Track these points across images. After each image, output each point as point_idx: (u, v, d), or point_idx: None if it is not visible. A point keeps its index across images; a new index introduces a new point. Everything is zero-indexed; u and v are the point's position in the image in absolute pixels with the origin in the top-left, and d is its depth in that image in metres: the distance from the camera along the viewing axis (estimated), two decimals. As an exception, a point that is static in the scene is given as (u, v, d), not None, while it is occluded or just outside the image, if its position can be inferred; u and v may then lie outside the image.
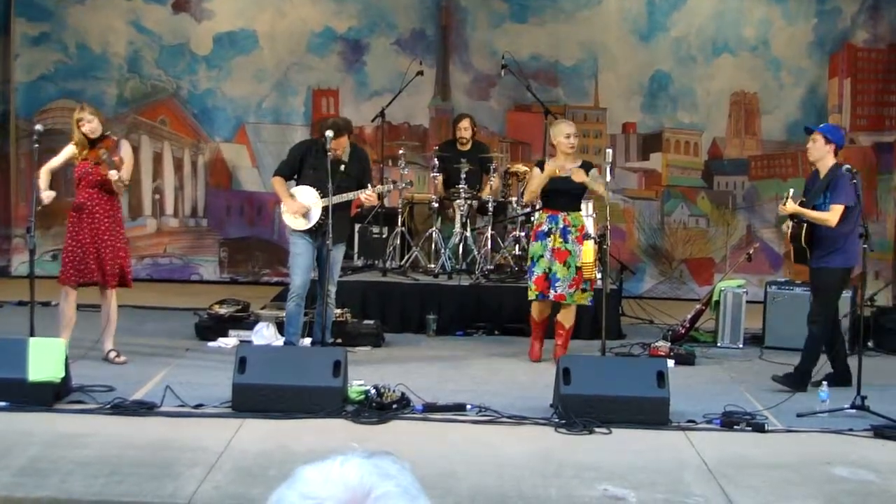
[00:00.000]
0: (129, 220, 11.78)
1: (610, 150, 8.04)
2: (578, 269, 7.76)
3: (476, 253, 9.50)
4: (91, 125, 7.26)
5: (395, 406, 6.27)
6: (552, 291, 7.79)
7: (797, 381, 7.19)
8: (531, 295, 7.90)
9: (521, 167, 9.98)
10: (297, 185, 7.80)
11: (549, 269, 7.77)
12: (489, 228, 9.59)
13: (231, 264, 12.04)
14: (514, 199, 9.81)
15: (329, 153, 7.35)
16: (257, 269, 12.02)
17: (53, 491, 4.80)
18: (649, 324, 9.85)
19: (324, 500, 1.22)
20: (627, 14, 11.77)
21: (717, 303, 9.05)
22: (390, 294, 9.29)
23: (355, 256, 9.94)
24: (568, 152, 7.86)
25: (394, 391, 6.37)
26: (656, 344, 8.37)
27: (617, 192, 11.43)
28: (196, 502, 4.74)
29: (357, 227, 9.90)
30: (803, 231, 7.17)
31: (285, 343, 7.77)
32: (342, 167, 7.67)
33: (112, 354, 7.48)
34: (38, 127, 7.35)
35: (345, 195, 7.63)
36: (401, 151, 9.81)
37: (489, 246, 9.55)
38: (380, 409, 6.23)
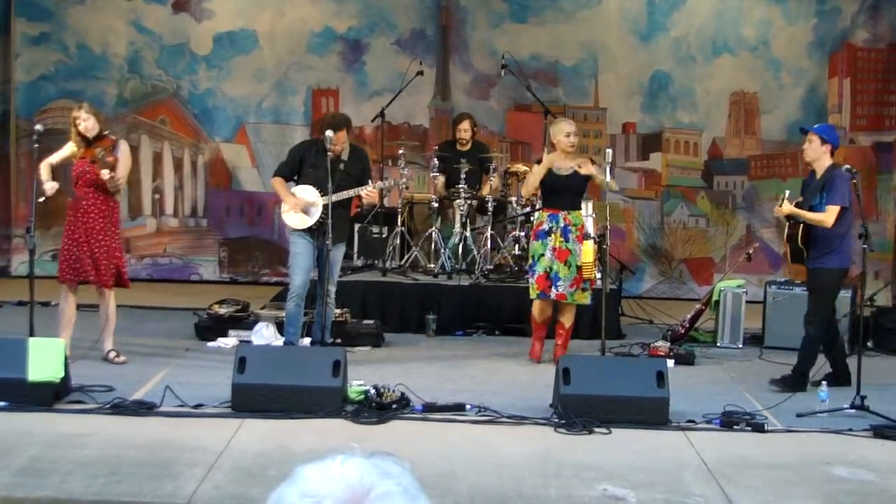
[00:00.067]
0: (129, 220, 11.80)
1: (610, 150, 8.03)
2: (579, 268, 7.76)
3: (476, 253, 9.50)
4: (87, 124, 7.27)
5: (394, 406, 6.27)
6: (553, 290, 7.79)
7: (795, 382, 7.18)
8: (532, 294, 7.89)
9: (520, 167, 9.98)
10: (297, 185, 7.80)
11: (551, 269, 7.77)
12: (489, 228, 9.60)
13: (231, 264, 12.04)
14: (513, 198, 9.81)
15: (329, 153, 7.35)
16: (257, 269, 12.02)
17: (53, 491, 4.80)
18: (649, 324, 9.85)
19: (324, 498, 1.22)
20: (627, 14, 11.77)
21: (717, 303, 9.06)
22: (390, 294, 9.29)
23: (355, 256, 9.94)
24: (568, 151, 7.86)
25: (393, 391, 6.37)
26: (656, 344, 8.37)
27: (617, 193, 11.41)
28: (196, 502, 4.74)
29: (357, 226, 9.90)
30: (800, 231, 7.17)
31: (285, 343, 7.77)
32: (342, 166, 7.68)
33: (112, 354, 7.48)
34: (39, 127, 7.37)
35: (345, 192, 7.63)
36: (401, 151, 9.81)
37: (489, 246, 9.55)
38: (379, 409, 6.23)
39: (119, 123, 11.37)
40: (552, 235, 7.80)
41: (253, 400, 6.18)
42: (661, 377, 6.27)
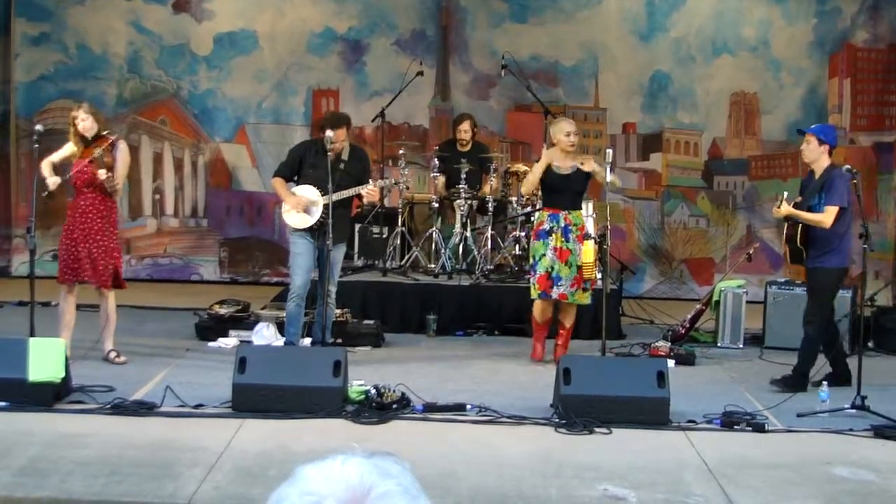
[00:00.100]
0: (130, 221, 11.81)
1: (610, 151, 8.03)
2: (579, 268, 7.76)
3: (476, 253, 9.50)
4: (85, 124, 7.27)
5: (395, 406, 6.27)
6: (555, 290, 7.79)
7: (795, 382, 7.18)
8: (534, 293, 7.88)
9: (521, 167, 9.98)
10: (297, 185, 7.80)
11: (552, 269, 7.77)
12: (489, 228, 9.60)
13: (231, 264, 12.05)
14: (514, 198, 9.81)
15: (329, 153, 7.35)
16: (257, 269, 12.02)
17: (53, 491, 4.80)
18: (649, 324, 9.85)
19: (324, 497, 1.22)
20: (627, 14, 11.77)
21: (718, 303, 9.06)
22: (390, 294, 9.29)
23: (355, 256, 9.94)
24: (568, 150, 7.86)
25: (394, 391, 6.37)
26: (656, 344, 8.37)
27: (617, 193, 11.43)
28: (196, 502, 4.74)
29: (357, 227, 9.90)
30: (798, 232, 7.17)
31: (286, 343, 7.77)
32: (342, 166, 7.68)
33: (112, 354, 7.48)
34: (39, 127, 7.36)
35: (346, 191, 7.62)
36: (401, 151, 9.82)
37: (489, 246, 9.55)
38: (380, 409, 6.23)
39: (119, 124, 11.36)
40: (553, 235, 7.79)
41: (253, 400, 6.18)
42: (661, 377, 6.27)
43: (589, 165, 7.77)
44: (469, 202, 9.54)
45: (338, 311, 8.27)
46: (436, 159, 9.89)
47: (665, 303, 10.89)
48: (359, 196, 7.82)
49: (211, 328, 8.55)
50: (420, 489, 1.27)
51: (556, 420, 6.16)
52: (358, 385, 6.46)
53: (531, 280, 7.95)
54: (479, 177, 9.92)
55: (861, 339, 7.06)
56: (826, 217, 7.02)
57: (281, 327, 8.10)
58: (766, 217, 11.73)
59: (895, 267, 11.57)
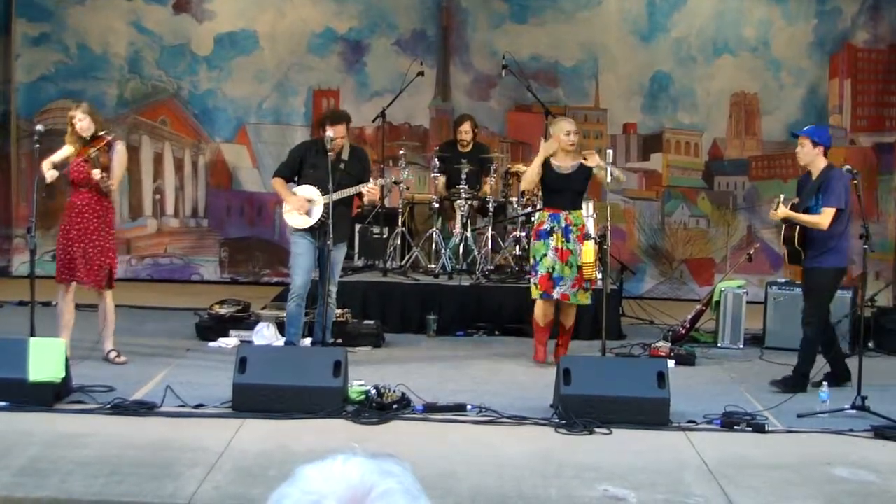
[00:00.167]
0: (130, 221, 11.82)
1: (610, 151, 8.03)
2: (580, 268, 7.76)
3: (476, 253, 9.50)
4: (82, 124, 7.27)
5: (395, 406, 6.27)
6: (556, 291, 7.78)
7: (796, 383, 7.18)
8: (535, 294, 7.87)
9: (521, 167, 9.97)
10: (297, 185, 7.80)
11: (553, 269, 7.76)
12: (489, 229, 9.60)
13: (231, 264, 12.05)
14: (514, 199, 9.81)
15: (329, 152, 7.35)
16: (258, 269, 12.03)
17: (53, 491, 4.80)
18: (649, 324, 9.85)
19: (325, 496, 1.22)
20: (627, 15, 11.77)
21: (718, 303, 9.05)
22: (391, 294, 9.29)
23: (356, 257, 9.94)
24: (568, 149, 7.85)
25: (394, 391, 6.37)
26: (656, 344, 8.37)
27: (617, 193, 11.44)
28: (196, 502, 4.74)
29: (358, 227, 9.91)
30: (796, 233, 7.17)
31: (286, 343, 7.77)
32: (342, 165, 7.68)
33: (112, 354, 7.48)
34: (39, 127, 7.37)
35: (347, 190, 7.62)
36: (401, 152, 9.82)
37: (489, 246, 9.56)
38: (380, 409, 6.23)
39: (120, 124, 11.37)
40: (553, 235, 7.79)
41: (254, 400, 6.18)
42: (661, 378, 6.27)
43: (593, 160, 7.76)
44: (469, 202, 9.55)
45: (338, 312, 8.27)
46: (436, 160, 9.90)
47: (665, 303, 10.89)
48: (359, 196, 7.82)
49: (211, 328, 8.55)
50: (420, 489, 1.27)
51: (557, 420, 6.15)
52: (358, 385, 6.46)
53: (532, 281, 7.94)
54: (479, 177, 9.93)
55: (861, 339, 7.05)
56: (823, 219, 7.01)
57: (281, 327, 8.11)
58: (766, 217, 11.69)
59: (895, 267, 11.56)
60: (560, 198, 7.86)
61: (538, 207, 8.76)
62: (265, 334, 8.21)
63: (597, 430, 6.03)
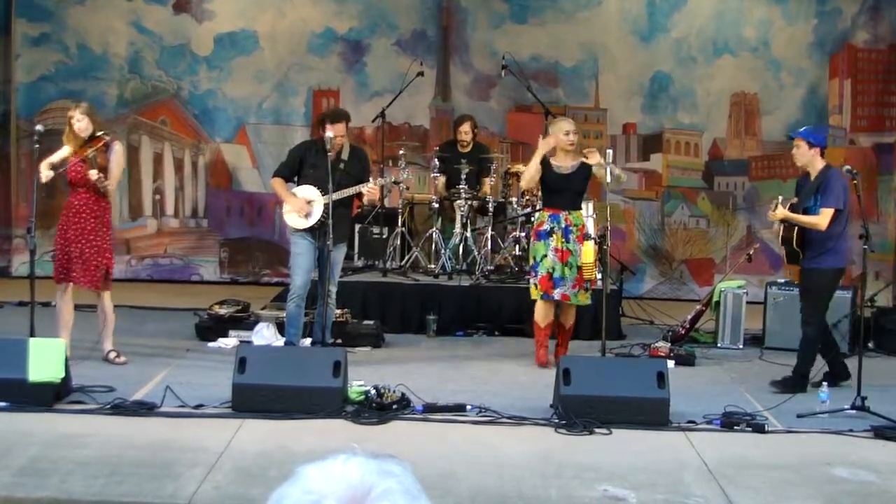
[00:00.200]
0: (130, 221, 11.81)
1: (610, 151, 8.03)
2: (579, 268, 7.76)
3: (476, 253, 9.50)
4: (80, 124, 7.27)
5: (395, 406, 6.27)
6: (557, 291, 7.78)
7: (795, 383, 7.18)
8: (535, 294, 7.86)
9: (521, 167, 9.96)
10: (297, 185, 7.80)
11: (553, 269, 7.76)
12: (489, 229, 9.60)
13: (231, 265, 12.05)
14: (514, 199, 9.82)
15: (329, 152, 7.35)
16: (257, 269, 12.03)
17: (53, 491, 4.80)
18: (649, 324, 9.85)
19: (325, 496, 1.22)
20: (627, 15, 11.77)
21: (718, 303, 9.06)
22: (390, 294, 9.29)
23: (356, 257, 9.94)
24: (567, 149, 7.85)
25: (394, 391, 6.37)
26: (656, 344, 8.37)
27: (617, 193, 11.44)
28: (196, 502, 4.74)
29: (357, 227, 9.91)
30: (794, 234, 7.17)
31: (286, 343, 7.77)
32: (342, 165, 7.68)
33: (112, 355, 7.48)
34: (39, 127, 7.37)
35: (346, 190, 7.62)
36: (401, 152, 9.82)
37: (489, 246, 9.56)
38: (380, 409, 6.23)
39: (120, 124, 11.38)
40: (553, 236, 7.78)
41: (253, 400, 6.18)
42: (661, 378, 6.27)
43: (594, 158, 7.76)
44: (469, 203, 9.55)
45: (338, 312, 8.27)
46: (436, 160, 9.90)
47: (665, 303, 10.89)
48: (359, 196, 7.82)
49: (211, 328, 8.55)
50: (420, 489, 1.27)
51: (556, 420, 6.15)
52: (358, 385, 6.46)
53: (532, 281, 7.93)
54: (479, 177, 9.93)
55: (861, 339, 7.05)
56: (821, 219, 7.01)
57: (281, 327, 8.11)
58: (766, 218, 11.70)
59: (895, 268, 11.56)
60: (560, 198, 7.85)
61: (538, 208, 8.76)
62: (265, 334, 8.21)
63: (597, 430, 6.03)
